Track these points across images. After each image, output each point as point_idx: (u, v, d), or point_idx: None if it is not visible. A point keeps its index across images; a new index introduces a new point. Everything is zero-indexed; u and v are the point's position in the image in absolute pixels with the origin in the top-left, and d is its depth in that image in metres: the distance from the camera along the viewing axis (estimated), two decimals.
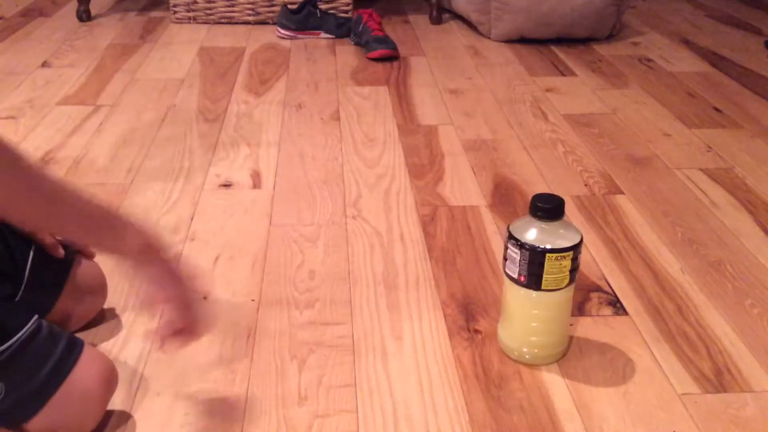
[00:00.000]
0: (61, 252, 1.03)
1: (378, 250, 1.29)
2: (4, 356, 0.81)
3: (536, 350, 1.03)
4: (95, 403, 0.88)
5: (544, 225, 0.96)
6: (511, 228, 0.99)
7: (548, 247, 0.95)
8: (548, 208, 0.96)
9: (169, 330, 0.86)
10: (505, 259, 1.00)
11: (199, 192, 1.48)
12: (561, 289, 0.98)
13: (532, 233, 0.96)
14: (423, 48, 2.41)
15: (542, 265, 0.96)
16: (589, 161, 1.64)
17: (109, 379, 0.90)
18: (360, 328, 1.10)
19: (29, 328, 0.84)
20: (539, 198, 0.96)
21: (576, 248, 0.96)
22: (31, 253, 0.99)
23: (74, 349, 0.87)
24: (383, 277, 1.22)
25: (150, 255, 0.83)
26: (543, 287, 0.97)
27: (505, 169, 1.59)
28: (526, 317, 1.02)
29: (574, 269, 0.98)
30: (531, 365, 1.02)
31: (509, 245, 0.98)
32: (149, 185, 1.50)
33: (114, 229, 0.81)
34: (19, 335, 0.83)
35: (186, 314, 0.86)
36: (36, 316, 0.86)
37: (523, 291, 0.99)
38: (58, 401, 0.84)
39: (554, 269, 0.96)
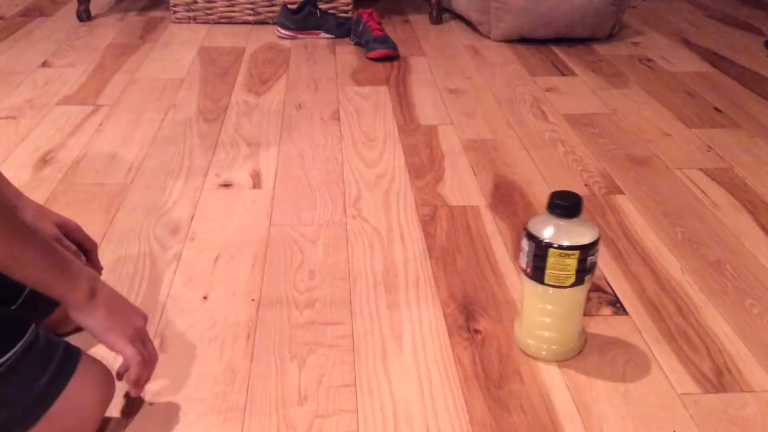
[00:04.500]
0: (83, 260, 1.05)
1: (378, 250, 1.29)
2: (1, 370, 0.79)
3: (544, 345, 1.03)
4: (91, 415, 0.87)
5: (561, 222, 0.96)
6: (530, 220, 1.00)
7: (552, 242, 0.95)
8: (564, 205, 0.96)
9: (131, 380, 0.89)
10: (521, 250, 1.01)
11: (199, 192, 1.48)
12: (565, 287, 0.98)
13: (545, 227, 0.97)
14: (423, 48, 2.41)
15: (545, 259, 0.97)
16: (589, 161, 1.64)
17: (106, 389, 0.89)
18: (360, 328, 1.10)
19: (26, 340, 0.82)
20: (557, 194, 0.97)
21: (583, 249, 0.96)
22: None
23: (71, 360, 0.86)
24: (383, 277, 1.22)
25: (95, 306, 0.85)
26: (546, 281, 0.98)
27: (505, 169, 1.59)
28: (532, 309, 1.04)
29: (582, 270, 0.97)
30: (537, 360, 1.03)
31: (523, 235, 1.00)
32: (149, 185, 1.50)
33: (70, 278, 0.83)
34: (15, 348, 0.81)
35: (139, 369, 0.89)
36: (33, 326, 0.84)
37: (530, 283, 1.00)
38: (54, 415, 0.82)
39: (558, 266, 0.96)
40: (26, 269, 0.79)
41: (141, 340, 0.90)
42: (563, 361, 1.03)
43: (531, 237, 0.98)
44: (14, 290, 0.96)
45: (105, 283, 0.88)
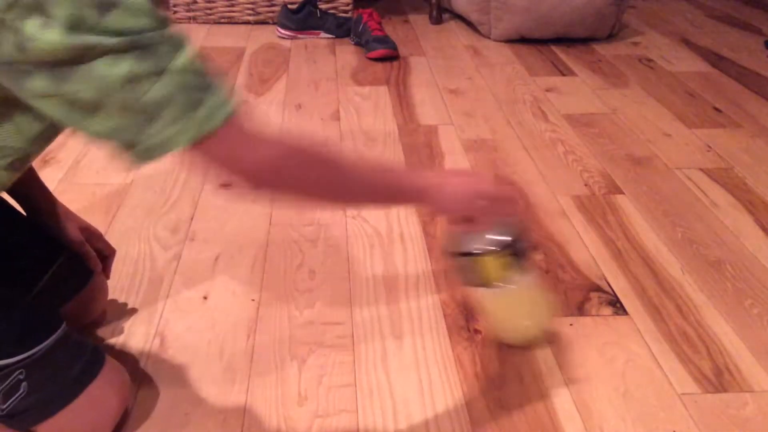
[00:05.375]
0: (100, 267, 1.07)
1: (378, 250, 1.29)
2: (35, 356, 0.83)
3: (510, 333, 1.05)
4: (109, 416, 0.89)
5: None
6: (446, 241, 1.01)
7: (468, 250, 0.95)
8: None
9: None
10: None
11: (199, 192, 1.48)
12: (503, 286, 0.97)
13: (458, 240, 0.97)
14: (423, 48, 2.41)
15: (473, 267, 0.96)
16: (589, 161, 1.64)
17: (125, 394, 0.91)
18: (360, 328, 1.10)
19: (60, 333, 0.86)
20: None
21: (503, 247, 0.94)
22: (60, 260, 1.01)
23: (97, 360, 0.89)
24: (383, 277, 1.22)
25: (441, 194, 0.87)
26: (482, 285, 0.98)
27: (505, 169, 1.59)
28: (498, 318, 1.06)
29: (508, 265, 0.95)
30: (527, 347, 1.03)
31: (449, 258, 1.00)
32: (149, 185, 1.50)
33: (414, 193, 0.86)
34: (52, 337, 0.85)
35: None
36: (65, 324, 0.88)
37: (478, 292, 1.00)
38: (75, 409, 0.85)
39: (486, 268, 0.96)
40: (371, 205, 0.90)
41: (486, 198, 0.90)
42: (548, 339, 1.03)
43: (451, 254, 0.97)
44: (31, 277, 0.97)
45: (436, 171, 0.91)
